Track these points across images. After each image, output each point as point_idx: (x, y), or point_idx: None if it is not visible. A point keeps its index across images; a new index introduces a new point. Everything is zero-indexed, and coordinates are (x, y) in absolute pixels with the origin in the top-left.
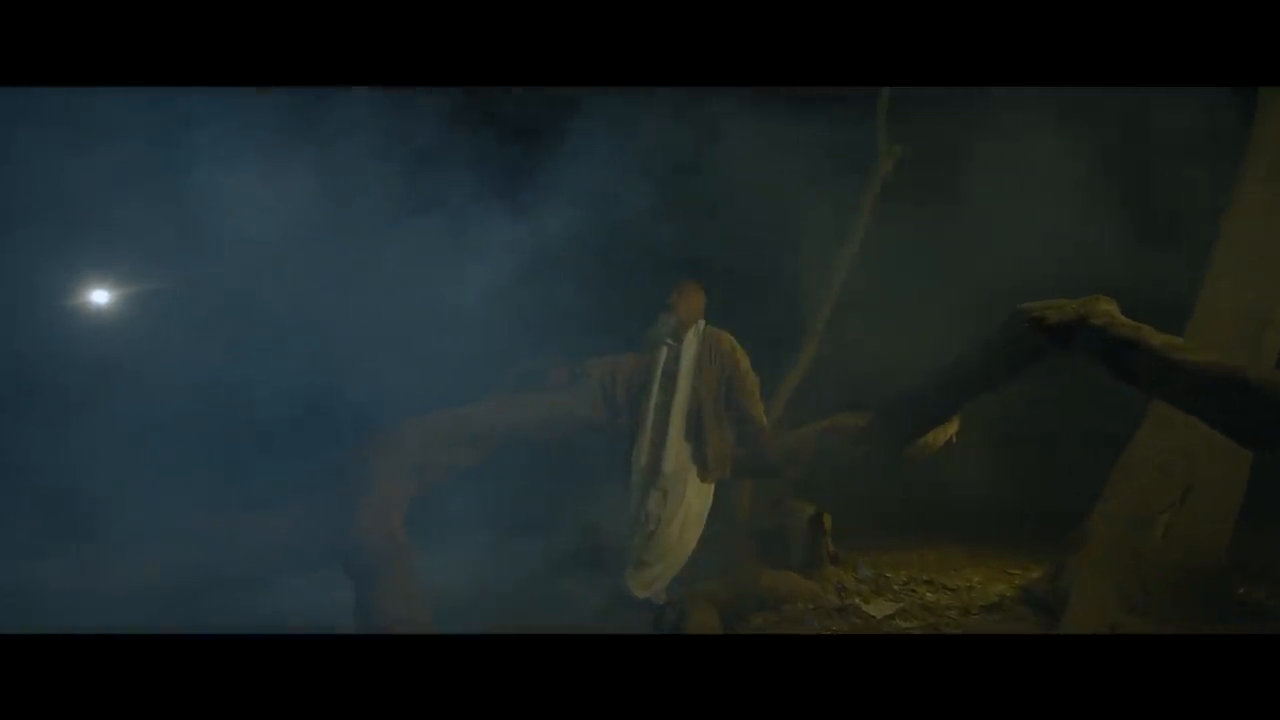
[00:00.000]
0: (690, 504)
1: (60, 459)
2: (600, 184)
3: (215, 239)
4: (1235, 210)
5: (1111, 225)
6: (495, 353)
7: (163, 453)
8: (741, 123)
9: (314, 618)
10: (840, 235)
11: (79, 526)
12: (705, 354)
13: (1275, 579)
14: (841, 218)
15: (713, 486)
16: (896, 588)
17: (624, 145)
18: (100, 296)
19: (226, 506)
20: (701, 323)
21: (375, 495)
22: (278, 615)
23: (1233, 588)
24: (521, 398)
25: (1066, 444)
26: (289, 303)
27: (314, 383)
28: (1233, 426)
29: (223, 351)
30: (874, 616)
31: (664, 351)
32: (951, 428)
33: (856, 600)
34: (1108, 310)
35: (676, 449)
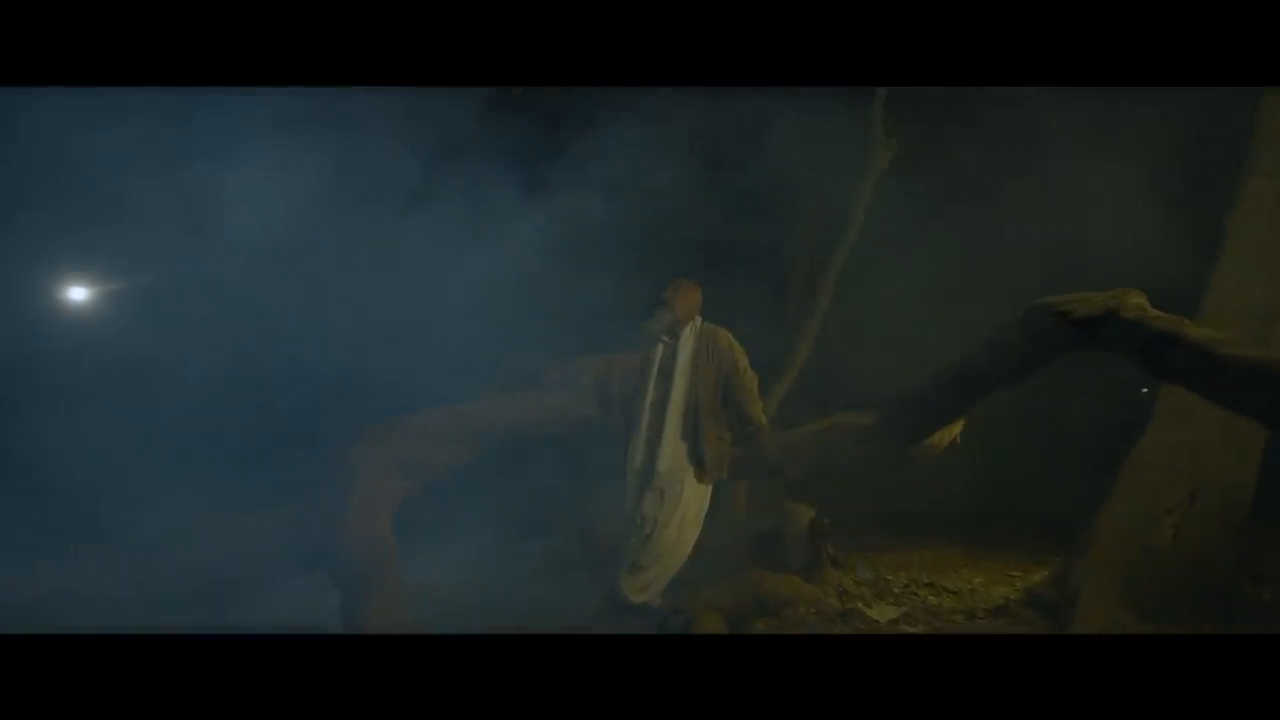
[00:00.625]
0: (687, 505)
1: (48, 458)
2: (628, 174)
3: (219, 232)
4: (1240, 207)
5: (1112, 223)
6: (517, 346)
7: (151, 452)
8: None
9: (300, 623)
10: (836, 232)
11: (68, 527)
12: (702, 351)
13: None
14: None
15: (710, 487)
16: (898, 590)
17: (655, 136)
18: (93, 291)
19: (212, 507)
20: (699, 319)
21: (362, 497)
22: (262, 621)
23: (1241, 588)
24: (513, 396)
25: (1061, 444)
26: (298, 297)
27: (321, 379)
28: None
29: (222, 348)
30: (877, 621)
31: (660, 349)
32: (956, 428)
33: (859, 604)
34: (1139, 303)
35: (673, 449)
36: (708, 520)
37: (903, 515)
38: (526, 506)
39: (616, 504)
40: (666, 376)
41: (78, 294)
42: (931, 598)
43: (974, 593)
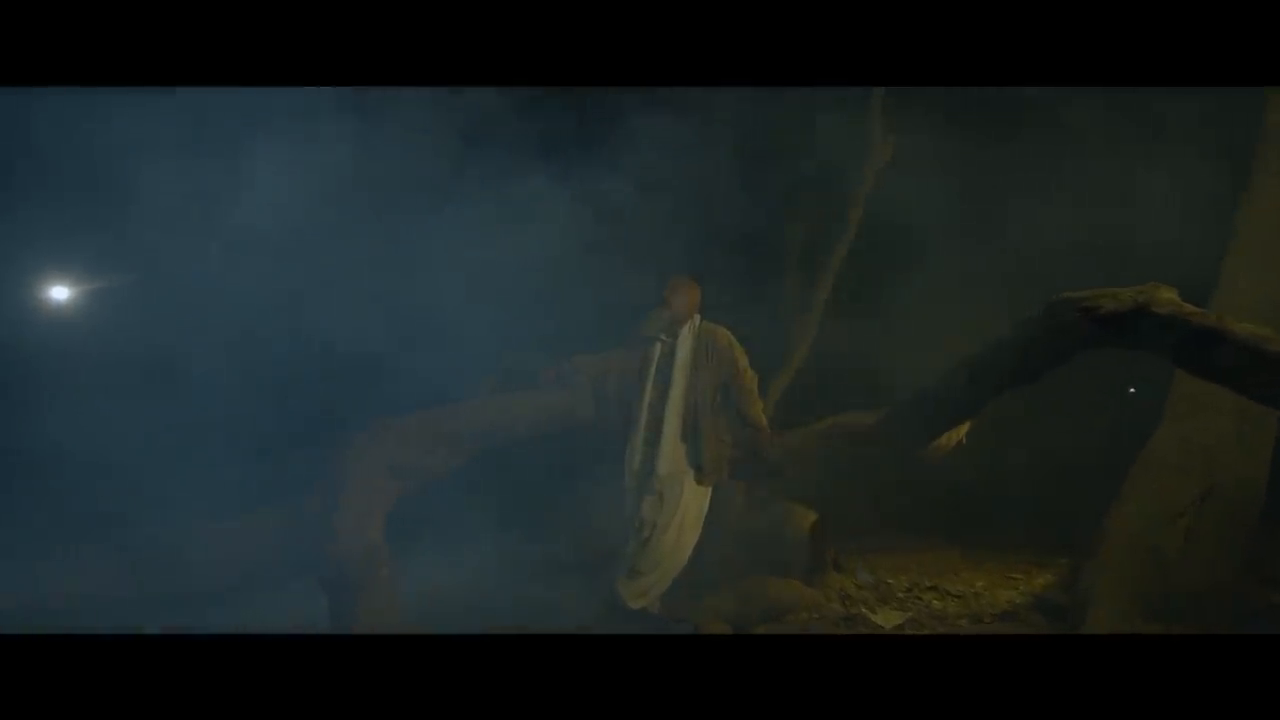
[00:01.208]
0: (687, 508)
1: (37, 458)
2: (662, 168)
3: (228, 226)
4: (1248, 205)
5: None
6: (542, 341)
7: (136, 453)
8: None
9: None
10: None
11: (50, 528)
12: (701, 350)
13: None
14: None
15: (710, 490)
16: (900, 594)
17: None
18: (82, 288)
19: (196, 511)
20: (697, 318)
21: (353, 500)
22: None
23: (1252, 590)
24: (508, 397)
25: (1060, 444)
26: (310, 291)
27: (330, 373)
28: None
29: (218, 345)
30: (882, 627)
31: (658, 348)
32: (963, 428)
33: (863, 609)
34: (1170, 298)
35: (672, 450)
36: (706, 523)
37: (900, 516)
38: (522, 510)
39: (614, 507)
40: (665, 376)
41: (64, 291)
42: (936, 602)
43: (978, 596)
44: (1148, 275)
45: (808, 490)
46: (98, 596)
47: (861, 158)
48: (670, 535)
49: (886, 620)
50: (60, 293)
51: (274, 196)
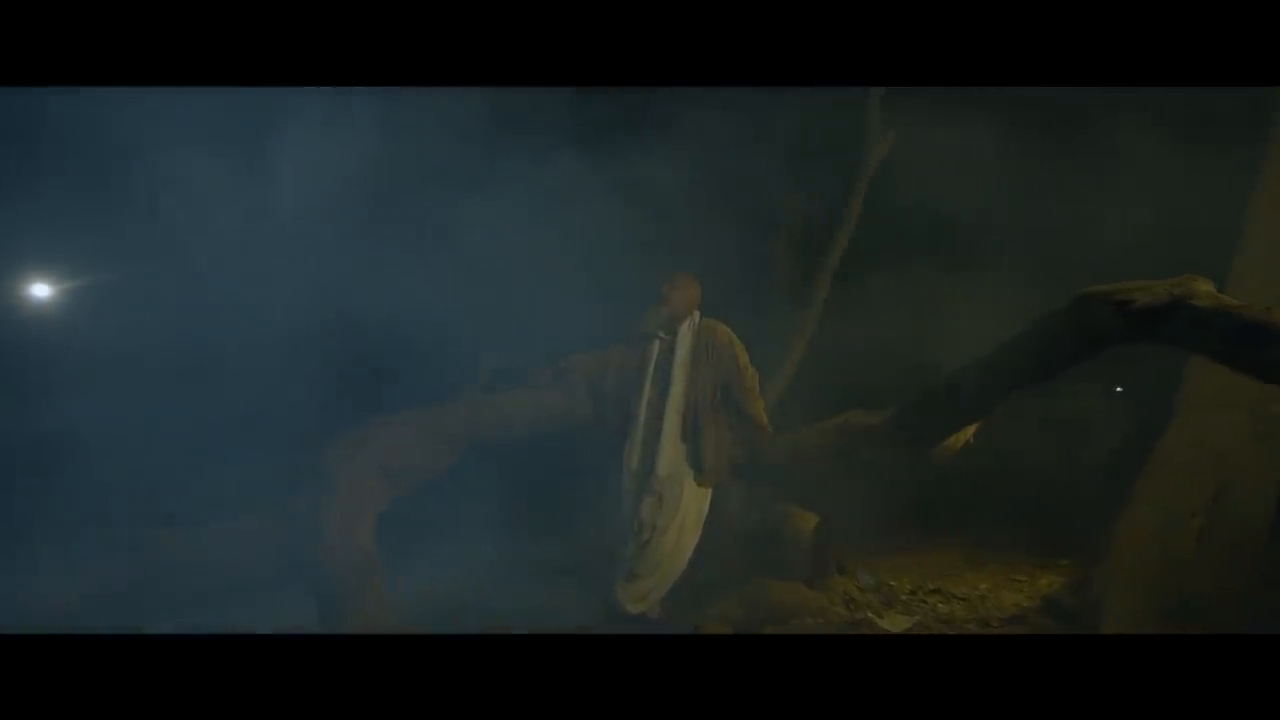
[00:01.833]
0: (687, 510)
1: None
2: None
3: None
4: (1258, 204)
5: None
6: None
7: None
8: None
9: None
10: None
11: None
12: (701, 348)
13: None
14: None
15: (710, 491)
16: (904, 597)
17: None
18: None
19: (178, 514)
20: (697, 314)
21: (342, 503)
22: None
23: (1262, 594)
24: (502, 396)
25: (1058, 443)
26: (332, 279)
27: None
28: None
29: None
30: (890, 632)
31: (656, 345)
32: (971, 428)
33: (869, 614)
34: (1209, 291)
35: (671, 450)
36: (705, 525)
37: (901, 517)
38: (518, 512)
39: (613, 509)
40: (664, 375)
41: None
42: (941, 605)
43: (983, 599)
44: (1150, 270)
45: (809, 491)
46: (50, 598)
47: (861, 150)
48: (670, 537)
49: (894, 625)
50: (41, 290)
51: (298, 187)
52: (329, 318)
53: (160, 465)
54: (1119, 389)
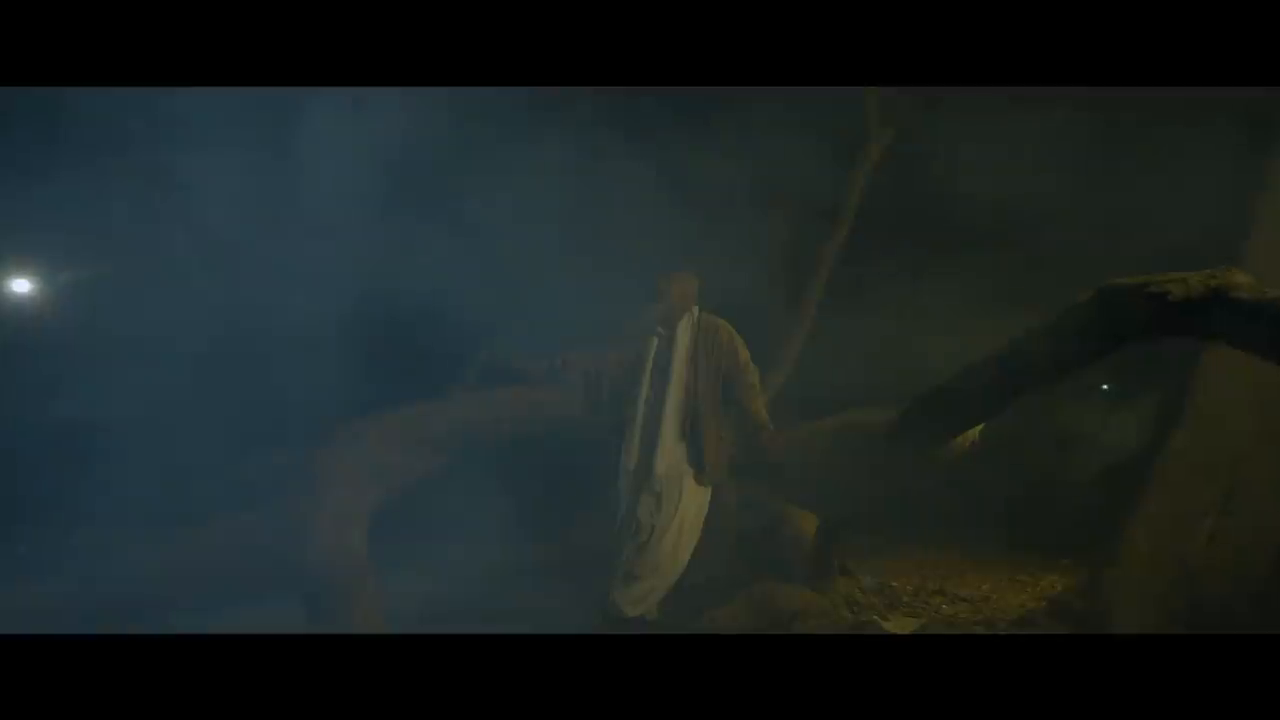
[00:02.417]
0: (686, 510)
1: None
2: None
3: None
4: (1267, 203)
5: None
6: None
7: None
8: None
9: None
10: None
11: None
12: (700, 344)
13: None
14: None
15: (709, 491)
16: (907, 599)
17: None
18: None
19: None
20: (696, 310)
21: (332, 505)
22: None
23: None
24: (495, 393)
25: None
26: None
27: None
28: None
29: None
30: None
31: (654, 342)
32: (979, 427)
33: (875, 617)
34: (1249, 282)
35: (670, 449)
36: (703, 526)
37: (901, 517)
38: (511, 513)
39: (610, 509)
40: (662, 372)
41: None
42: (946, 607)
43: (988, 600)
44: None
45: (809, 490)
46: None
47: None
48: (669, 538)
49: (900, 628)
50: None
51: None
52: (345, 309)
53: (148, 465)
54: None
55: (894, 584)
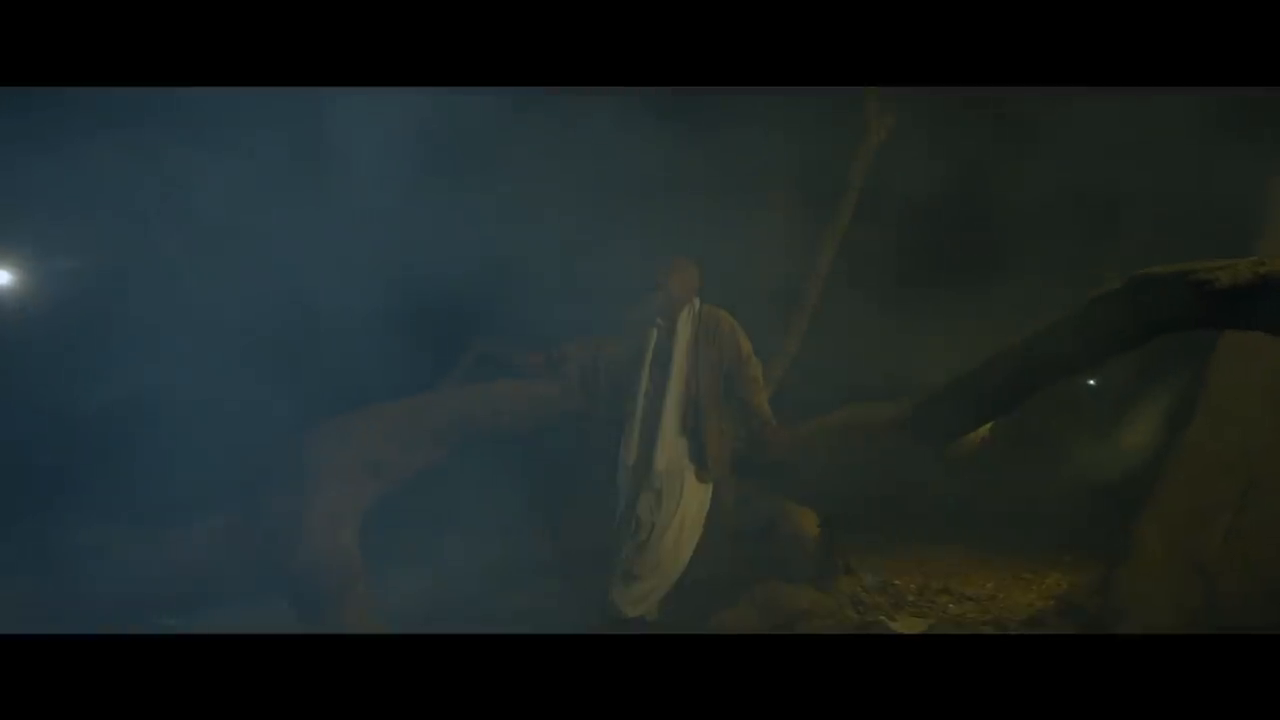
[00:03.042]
0: (687, 507)
1: None
2: None
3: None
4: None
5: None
6: None
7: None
8: None
9: None
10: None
11: None
12: (702, 336)
13: None
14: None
15: (710, 488)
16: (911, 598)
17: None
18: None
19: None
20: (697, 301)
21: (322, 502)
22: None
23: None
24: (489, 386)
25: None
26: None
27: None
28: None
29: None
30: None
31: (654, 333)
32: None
33: (882, 618)
34: None
35: (670, 444)
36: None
37: (897, 514)
38: (507, 510)
39: (609, 506)
40: (662, 364)
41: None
42: (953, 606)
43: (994, 599)
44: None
45: (812, 486)
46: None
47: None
48: (670, 536)
49: (909, 628)
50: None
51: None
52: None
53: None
54: (1091, 382)
55: (896, 582)
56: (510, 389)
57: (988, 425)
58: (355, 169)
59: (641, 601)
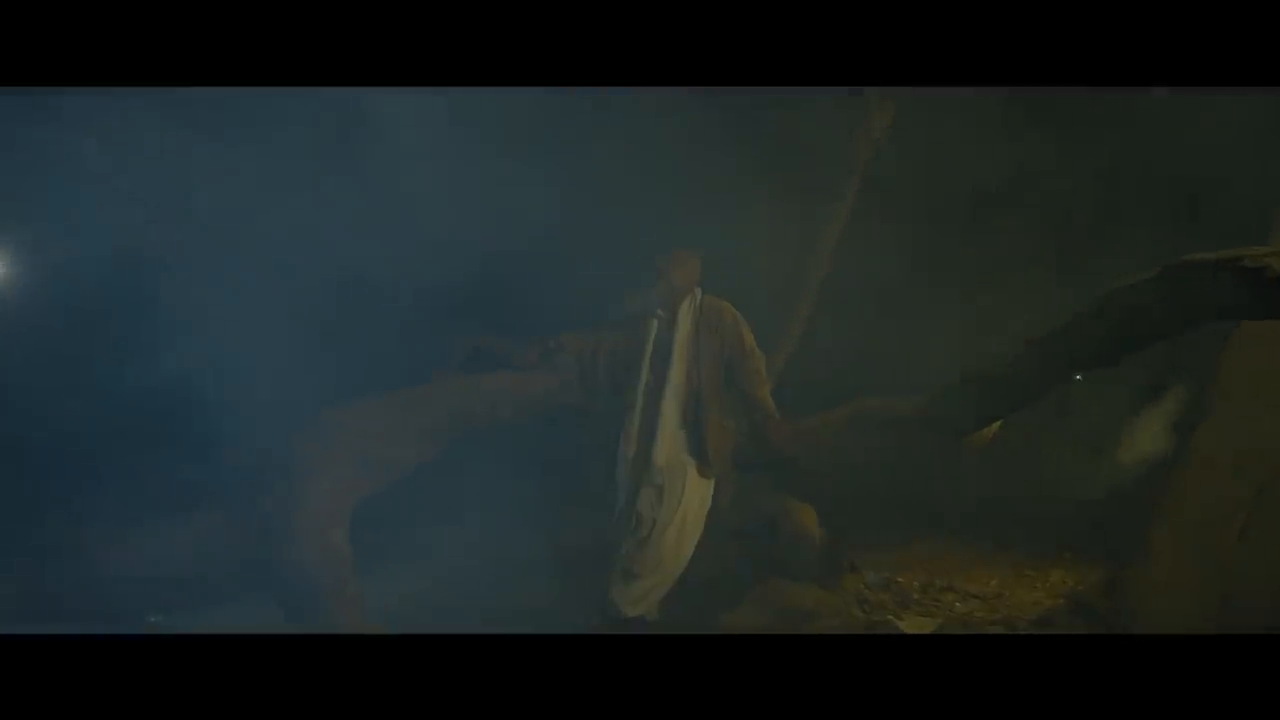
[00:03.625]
0: (688, 503)
1: None
2: None
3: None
4: None
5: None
6: None
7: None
8: None
9: None
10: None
11: None
12: (703, 327)
13: None
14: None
15: (712, 483)
16: (916, 596)
17: None
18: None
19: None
20: (698, 291)
21: (312, 500)
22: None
23: None
24: (484, 379)
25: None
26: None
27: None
28: None
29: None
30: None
31: (654, 325)
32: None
33: (889, 617)
34: None
35: (670, 438)
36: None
37: (897, 511)
38: (503, 506)
39: (608, 502)
40: (663, 357)
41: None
42: (959, 605)
43: (1000, 597)
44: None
45: (810, 483)
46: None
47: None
48: (671, 533)
49: (917, 628)
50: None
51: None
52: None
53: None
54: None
55: (899, 580)
56: (507, 382)
57: (997, 423)
58: (355, 169)
59: (642, 600)
